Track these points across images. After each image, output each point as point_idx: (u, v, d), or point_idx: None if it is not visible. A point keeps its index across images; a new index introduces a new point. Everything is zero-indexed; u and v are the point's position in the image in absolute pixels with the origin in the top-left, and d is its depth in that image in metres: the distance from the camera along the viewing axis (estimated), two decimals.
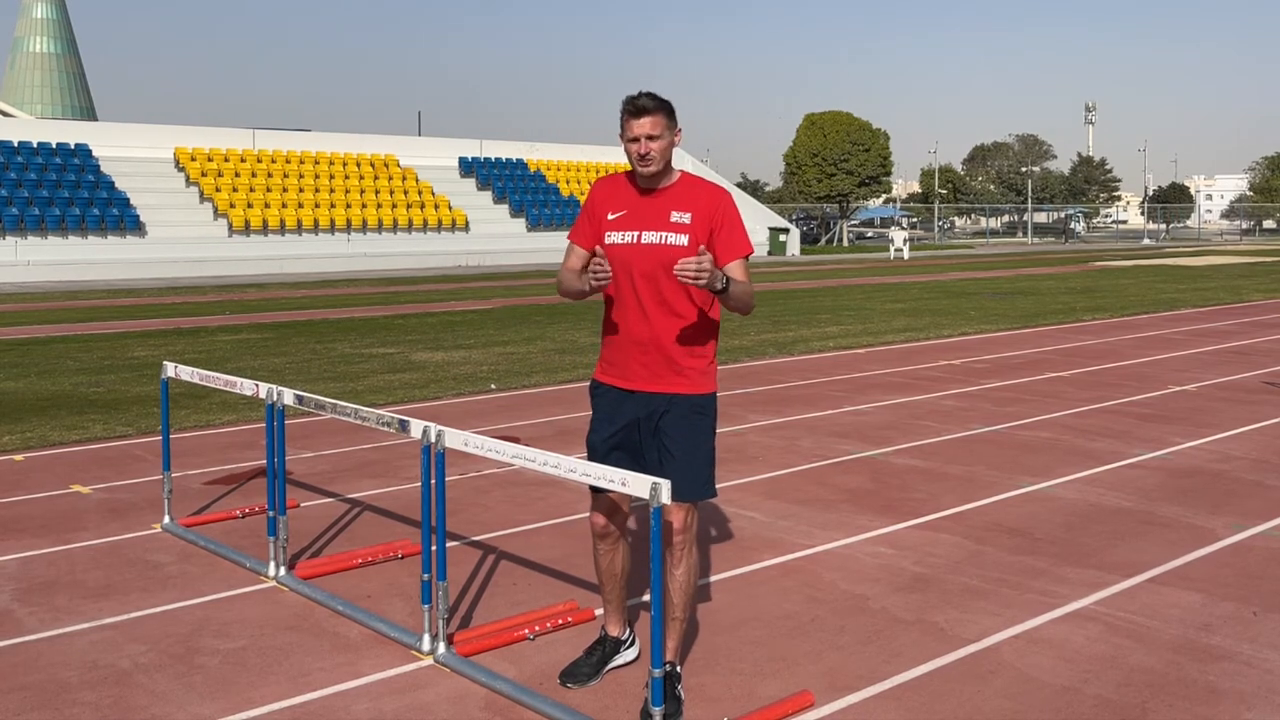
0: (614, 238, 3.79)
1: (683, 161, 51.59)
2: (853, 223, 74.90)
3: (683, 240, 3.71)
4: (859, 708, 3.79)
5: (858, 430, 8.57)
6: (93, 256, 32.40)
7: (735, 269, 3.74)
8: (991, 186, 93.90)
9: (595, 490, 3.87)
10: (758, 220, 49.78)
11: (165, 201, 36.11)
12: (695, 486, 3.75)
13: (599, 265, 3.61)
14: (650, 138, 3.67)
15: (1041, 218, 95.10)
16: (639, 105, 3.67)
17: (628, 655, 4.14)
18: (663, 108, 3.70)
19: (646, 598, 4.79)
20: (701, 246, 3.59)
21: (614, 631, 4.12)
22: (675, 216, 3.73)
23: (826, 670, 4.09)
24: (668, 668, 3.75)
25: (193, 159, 38.30)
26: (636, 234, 3.76)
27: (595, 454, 3.87)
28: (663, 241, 3.72)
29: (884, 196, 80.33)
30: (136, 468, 7.38)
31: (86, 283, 29.98)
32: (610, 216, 3.83)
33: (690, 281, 3.50)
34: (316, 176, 40.30)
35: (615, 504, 3.95)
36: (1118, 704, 3.82)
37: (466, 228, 41.16)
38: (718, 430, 3.94)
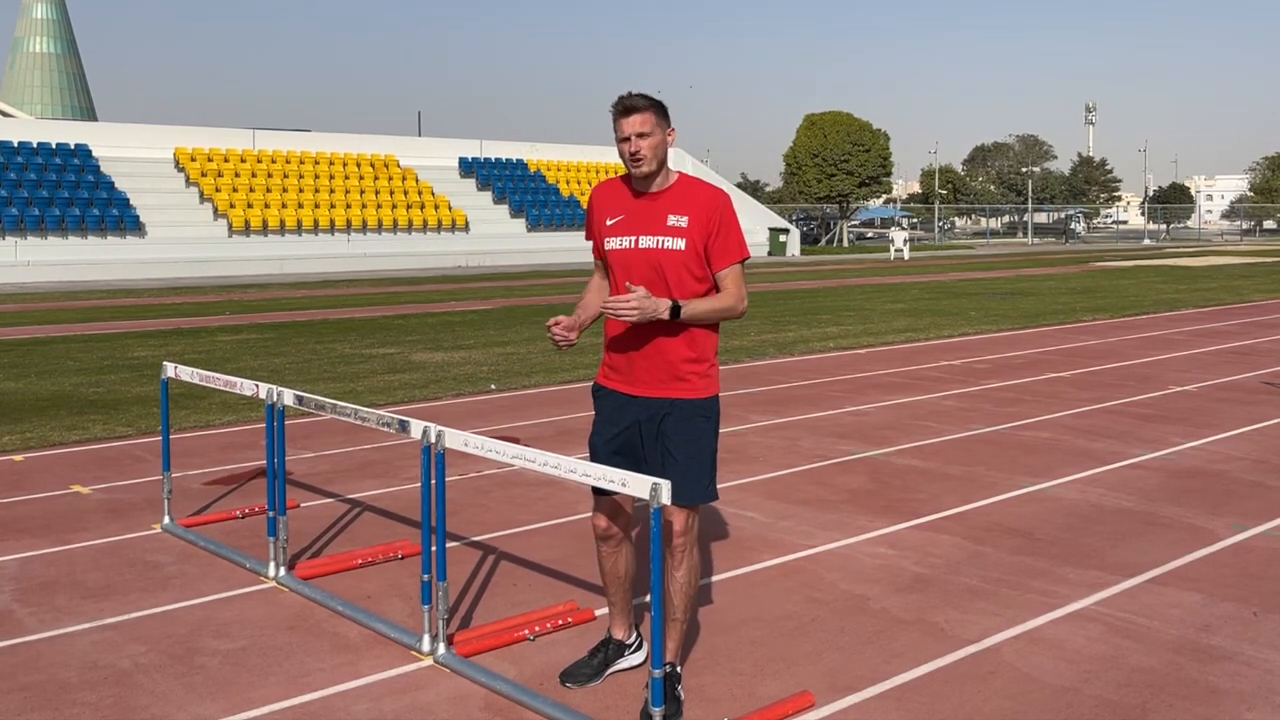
0: (612, 243, 3.79)
1: (683, 161, 51.60)
2: (853, 223, 74.89)
3: (679, 244, 3.68)
4: (859, 708, 3.79)
5: (858, 430, 8.56)
6: (93, 256, 32.41)
7: (730, 277, 3.74)
8: (992, 187, 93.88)
9: (597, 492, 3.85)
10: (758, 220, 49.78)
11: (165, 201, 36.13)
12: (696, 490, 3.74)
13: (552, 335, 3.74)
14: (640, 135, 3.62)
15: (1042, 218, 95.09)
16: (627, 104, 3.64)
17: (634, 659, 4.11)
18: (653, 106, 3.66)
19: (647, 599, 4.79)
20: (628, 283, 3.62)
21: (618, 634, 4.10)
22: (672, 220, 3.69)
23: (826, 670, 4.09)
24: (667, 668, 3.74)
25: (193, 159, 38.31)
26: (634, 239, 3.73)
27: (596, 455, 3.86)
28: (660, 246, 3.69)
29: (884, 197, 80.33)
30: (136, 468, 7.38)
31: (86, 283, 29.99)
32: (609, 222, 3.81)
33: (618, 319, 3.58)
34: (316, 176, 40.31)
35: (617, 506, 3.94)
36: (1118, 704, 3.82)
37: (466, 228, 41.17)
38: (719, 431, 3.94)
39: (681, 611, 3.82)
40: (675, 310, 3.62)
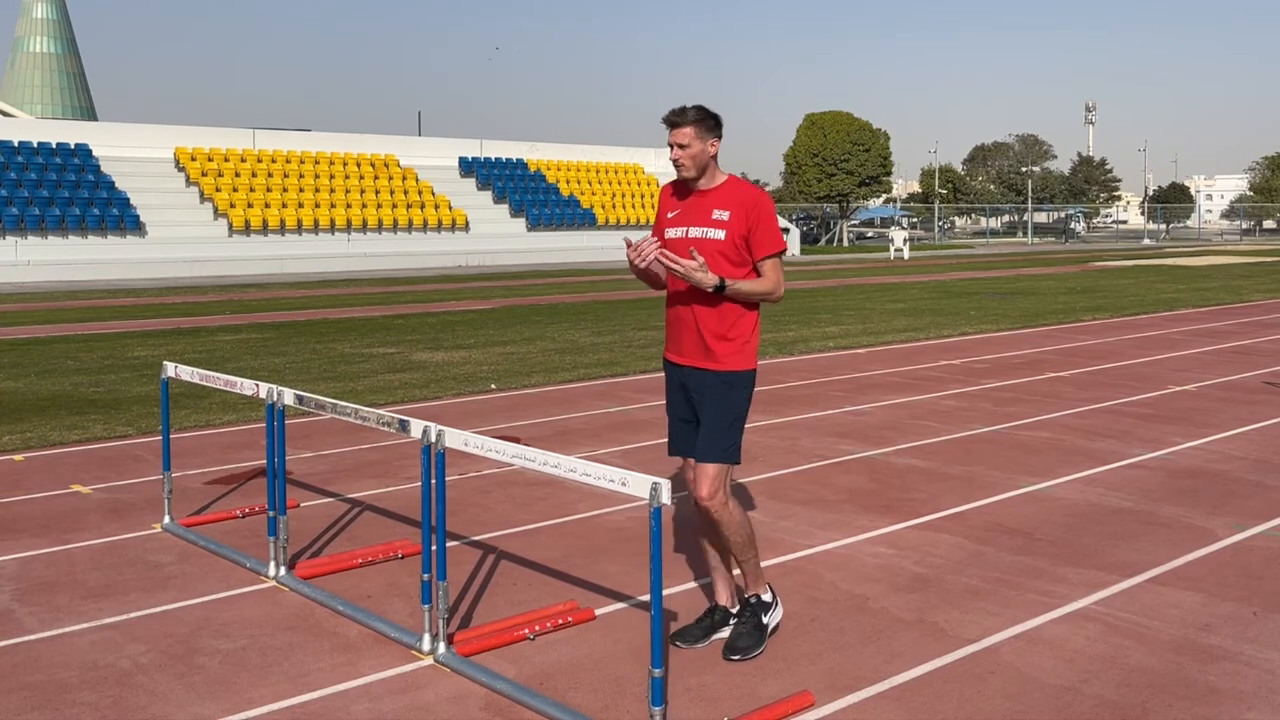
0: (670, 233, 4.32)
1: None
2: (853, 223, 74.85)
3: (719, 234, 4.17)
4: (859, 708, 3.79)
5: (858, 430, 8.57)
6: (93, 256, 32.41)
7: (768, 266, 4.20)
8: (991, 186, 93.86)
9: (673, 444, 4.40)
10: None
11: (165, 201, 36.12)
12: (717, 450, 4.17)
13: (635, 251, 4.17)
14: (682, 147, 4.16)
15: (1041, 218, 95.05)
16: (673, 119, 4.16)
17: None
18: (697, 121, 4.15)
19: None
20: (692, 249, 4.11)
21: (723, 601, 4.43)
22: (716, 214, 4.20)
23: (826, 670, 4.09)
24: (751, 599, 4.32)
25: (193, 159, 38.31)
26: (685, 229, 4.26)
27: (668, 419, 4.43)
28: (704, 235, 4.19)
29: (884, 196, 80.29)
30: (136, 468, 7.38)
31: (86, 283, 29.99)
32: (669, 215, 4.37)
33: (668, 267, 4.08)
34: (316, 176, 40.31)
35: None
36: (1118, 704, 3.82)
37: (466, 228, 41.17)
38: None
39: (741, 554, 4.29)
40: (721, 287, 4.09)
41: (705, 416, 4.20)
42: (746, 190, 4.24)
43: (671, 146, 4.18)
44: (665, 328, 4.42)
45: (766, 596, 4.37)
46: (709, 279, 4.07)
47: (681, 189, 4.35)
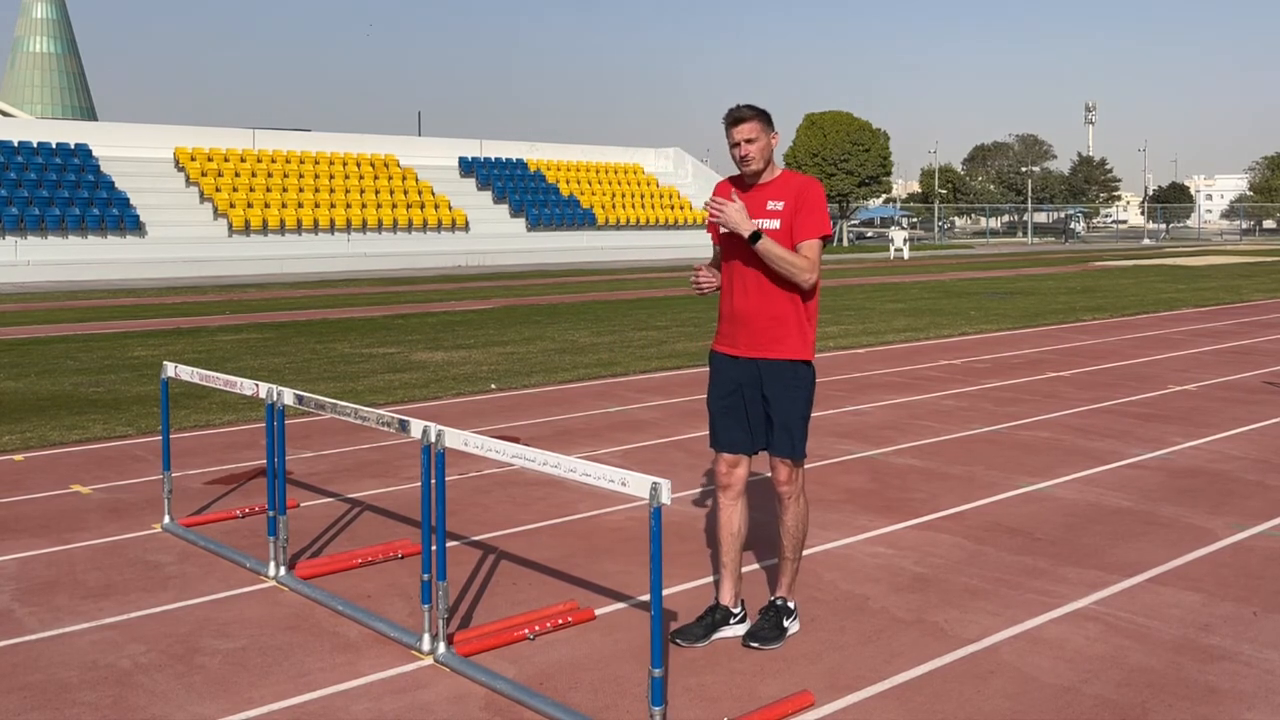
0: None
1: (683, 162, 51.66)
2: (853, 223, 74.87)
3: (775, 224, 4.27)
4: (859, 708, 3.79)
5: (858, 430, 8.57)
6: (93, 256, 32.42)
7: (807, 246, 4.26)
8: (991, 186, 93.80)
9: (715, 438, 4.44)
10: None
11: (165, 201, 36.14)
12: (791, 447, 4.33)
13: (694, 279, 4.42)
14: (749, 141, 4.25)
15: (1041, 218, 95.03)
16: (736, 116, 4.27)
17: (737, 629, 4.42)
18: (758, 116, 4.28)
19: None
20: (733, 192, 4.32)
21: (725, 600, 4.44)
22: (771, 205, 4.31)
23: (826, 670, 4.09)
24: (778, 601, 4.41)
25: (193, 159, 38.32)
26: None
27: (711, 413, 4.48)
28: (759, 227, 4.26)
29: (884, 196, 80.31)
30: (136, 468, 7.38)
31: (86, 283, 29.99)
32: None
33: (710, 210, 4.25)
34: (316, 176, 40.32)
35: (739, 456, 4.41)
36: (1118, 704, 3.82)
37: (466, 228, 41.18)
38: None
39: (790, 551, 4.42)
40: (755, 236, 4.19)
41: (776, 416, 4.29)
42: (799, 180, 4.37)
43: (738, 144, 4.26)
44: (718, 322, 4.51)
45: (792, 605, 4.44)
46: (748, 224, 4.19)
47: (738, 183, 4.41)
